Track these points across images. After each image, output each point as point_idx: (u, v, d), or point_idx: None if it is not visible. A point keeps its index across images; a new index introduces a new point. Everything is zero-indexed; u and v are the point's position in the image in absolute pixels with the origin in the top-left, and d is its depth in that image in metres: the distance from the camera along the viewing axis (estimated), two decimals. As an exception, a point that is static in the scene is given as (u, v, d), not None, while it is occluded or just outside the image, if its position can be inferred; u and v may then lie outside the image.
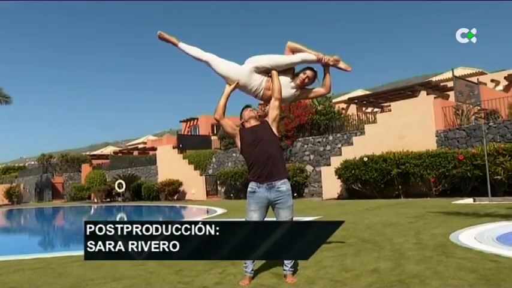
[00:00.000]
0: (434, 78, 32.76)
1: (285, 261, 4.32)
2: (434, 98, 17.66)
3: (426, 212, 10.03)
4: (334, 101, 26.80)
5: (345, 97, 32.19)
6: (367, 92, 33.26)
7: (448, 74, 30.25)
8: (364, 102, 28.43)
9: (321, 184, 18.99)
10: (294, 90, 4.84)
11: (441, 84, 24.96)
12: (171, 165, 28.48)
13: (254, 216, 4.37)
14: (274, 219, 4.40)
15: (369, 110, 29.45)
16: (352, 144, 18.38)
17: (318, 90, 4.94)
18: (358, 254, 5.38)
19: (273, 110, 4.59)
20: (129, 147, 55.45)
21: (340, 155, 18.35)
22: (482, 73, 31.97)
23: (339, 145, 19.76)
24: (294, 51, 4.79)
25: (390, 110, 18.53)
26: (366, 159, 15.99)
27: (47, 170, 40.51)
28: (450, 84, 23.99)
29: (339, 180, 17.22)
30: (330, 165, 18.50)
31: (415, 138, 16.01)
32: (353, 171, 16.32)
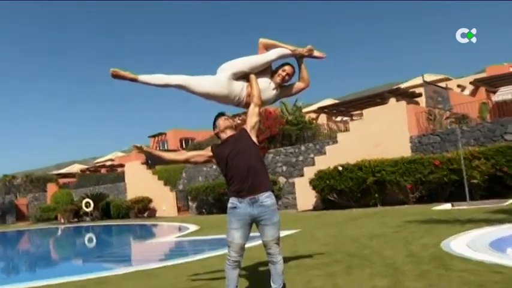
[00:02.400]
0: (401, 86, 33.02)
1: (273, 284, 3.87)
2: (407, 103, 17.51)
3: (407, 220, 9.71)
4: (304, 110, 26.63)
5: (314, 107, 32.04)
6: (336, 101, 33.23)
7: (414, 81, 30.58)
8: (334, 111, 28.32)
9: (295, 196, 18.57)
10: (275, 90, 4.45)
11: (409, 91, 25.02)
12: (140, 181, 27.66)
13: (236, 235, 3.88)
14: (258, 236, 3.93)
15: (339, 118, 29.39)
16: (325, 153, 18.06)
17: (298, 85, 4.62)
18: (349, 272, 4.93)
19: (252, 117, 4.15)
20: (97, 164, 54.05)
21: (313, 165, 18.01)
22: (447, 79, 32.43)
23: (312, 155, 19.41)
24: (267, 48, 4.42)
25: (360, 118, 18.35)
26: (340, 168, 15.68)
27: (10, 191, 38.94)
28: (418, 90, 24.12)
29: (314, 191, 16.85)
30: (303, 175, 18.13)
31: (389, 145, 15.79)
32: (328, 181, 15.96)
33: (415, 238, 6.92)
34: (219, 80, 4.25)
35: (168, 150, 35.95)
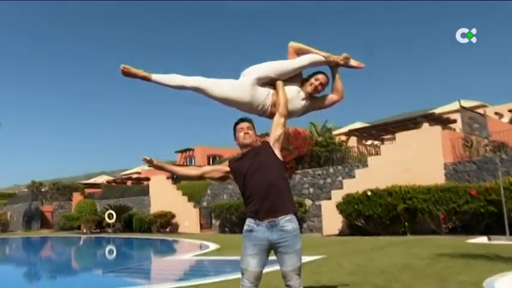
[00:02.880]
0: (435, 111, 32.12)
1: None
2: (442, 129, 16.75)
3: (440, 253, 9.01)
4: (333, 133, 26.03)
5: (344, 129, 31.37)
6: (366, 125, 32.50)
7: (448, 107, 29.71)
8: (365, 134, 27.62)
9: (321, 219, 17.93)
10: (304, 101, 3.93)
11: (444, 116, 24.20)
12: (164, 196, 27.40)
13: (252, 262, 3.38)
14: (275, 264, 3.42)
15: (369, 142, 28.65)
16: (354, 177, 17.41)
17: (331, 97, 4.04)
18: (378, 310, 4.37)
19: (276, 128, 3.65)
20: (123, 176, 54.29)
21: (342, 188, 17.37)
22: (483, 106, 31.41)
23: (340, 178, 18.78)
24: (298, 53, 3.90)
25: (392, 142, 17.68)
26: (369, 193, 15.01)
27: (36, 198, 39.31)
28: (452, 116, 23.32)
29: (341, 216, 16.21)
30: (330, 199, 17.49)
31: (421, 171, 15.05)
32: (356, 206, 15.31)
33: (451, 274, 6.27)
34: (241, 85, 3.76)
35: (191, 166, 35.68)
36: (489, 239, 11.63)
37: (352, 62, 3.97)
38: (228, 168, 3.72)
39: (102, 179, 54.30)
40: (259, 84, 3.77)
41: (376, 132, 27.22)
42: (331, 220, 16.95)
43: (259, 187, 3.42)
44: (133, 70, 3.77)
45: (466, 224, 13.47)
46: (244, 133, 3.64)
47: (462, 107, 18.19)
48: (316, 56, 3.89)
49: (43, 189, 41.88)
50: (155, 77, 3.80)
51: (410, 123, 23.04)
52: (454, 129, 20.17)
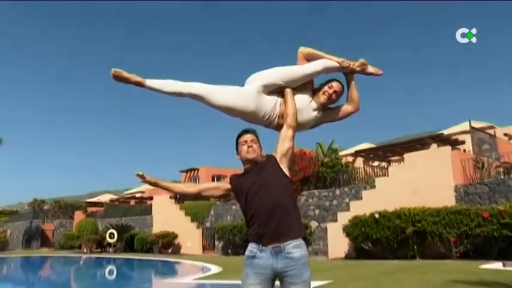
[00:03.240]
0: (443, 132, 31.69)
1: None
2: (452, 150, 16.32)
3: (454, 279, 8.54)
4: (340, 154, 25.62)
5: (351, 151, 30.94)
6: (373, 146, 32.10)
7: (456, 129, 29.29)
8: (371, 155, 27.22)
9: (327, 242, 17.43)
10: (316, 111, 3.51)
11: (452, 137, 23.80)
12: (167, 216, 26.98)
13: (253, 293, 2.96)
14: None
15: (376, 163, 28.21)
16: (361, 198, 16.95)
17: (345, 108, 3.58)
18: None
19: (283, 142, 3.24)
20: (127, 195, 53.90)
21: (348, 210, 16.90)
22: (491, 127, 30.97)
23: (347, 200, 18.31)
24: (309, 59, 3.49)
25: (400, 164, 17.26)
26: (377, 215, 14.55)
27: (38, 216, 38.89)
28: (461, 137, 22.93)
29: (347, 239, 15.72)
30: (336, 221, 17.01)
31: (431, 192, 14.59)
32: (363, 229, 14.83)
33: (470, 304, 5.83)
34: (245, 93, 3.35)
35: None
36: (504, 265, 11.09)
37: (370, 69, 3.55)
38: (228, 186, 3.31)
39: (105, 198, 53.89)
40: (266, 93, 3.38)
41: (382, 153, 26.83)
42: (338, 243, 16.46)
43: (263, 207, 3.00)
44: (126, 74, 3.39)
45: (478, 248, 12.96)
46: (248, 146, 3.20)
47: (473, 128, 17.79)
48: (329, 61, 3.47)
49: (45, 207, 41.54)
50: (150, 82, 3.42)
51: (418, 144, 22.67)
52: (464, 150, 19.76)
